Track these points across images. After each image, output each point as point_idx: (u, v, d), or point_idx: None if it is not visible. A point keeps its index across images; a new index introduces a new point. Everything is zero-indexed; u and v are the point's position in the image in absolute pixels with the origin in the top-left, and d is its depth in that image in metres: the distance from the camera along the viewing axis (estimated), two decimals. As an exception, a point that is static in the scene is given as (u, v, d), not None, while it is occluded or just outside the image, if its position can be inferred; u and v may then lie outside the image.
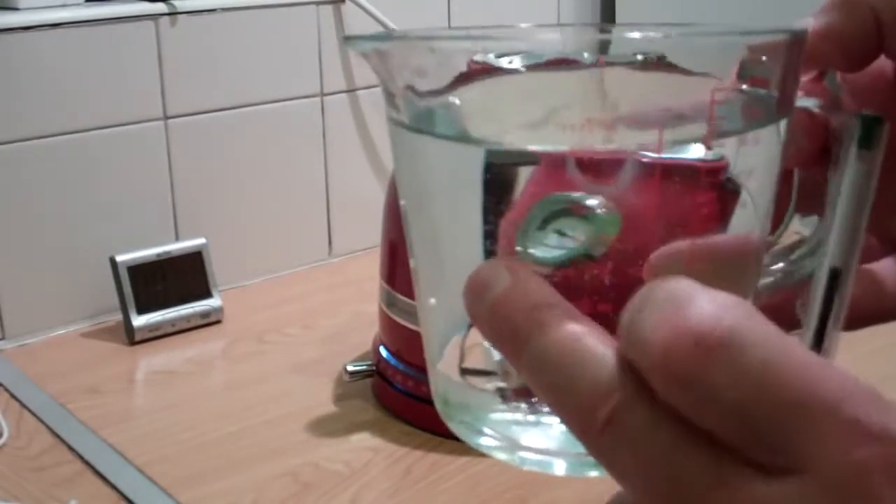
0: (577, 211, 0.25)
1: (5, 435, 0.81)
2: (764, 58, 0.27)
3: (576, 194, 0.25)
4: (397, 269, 0.82)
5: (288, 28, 1.12)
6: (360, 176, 1.21)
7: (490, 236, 0.27)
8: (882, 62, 0.30)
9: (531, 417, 0.28)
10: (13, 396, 0.88)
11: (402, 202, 0.30)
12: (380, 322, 0.86)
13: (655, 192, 0.25)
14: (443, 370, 0.30)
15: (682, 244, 0.26)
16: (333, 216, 1.20)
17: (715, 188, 0.26)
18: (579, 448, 0.23)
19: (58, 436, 0.81)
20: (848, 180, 0.28)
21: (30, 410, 0.85)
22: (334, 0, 1.15)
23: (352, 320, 1.02)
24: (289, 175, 1.15)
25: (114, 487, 0.74)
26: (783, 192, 0.29)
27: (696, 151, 0.25)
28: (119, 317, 1.00)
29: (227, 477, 0.75)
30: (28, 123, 0.97)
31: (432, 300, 0.30)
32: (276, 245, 1.16)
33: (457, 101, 0.27)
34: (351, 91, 1.18)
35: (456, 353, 0.29)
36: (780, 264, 0.30)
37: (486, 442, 0.29)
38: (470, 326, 0.28)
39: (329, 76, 1.16)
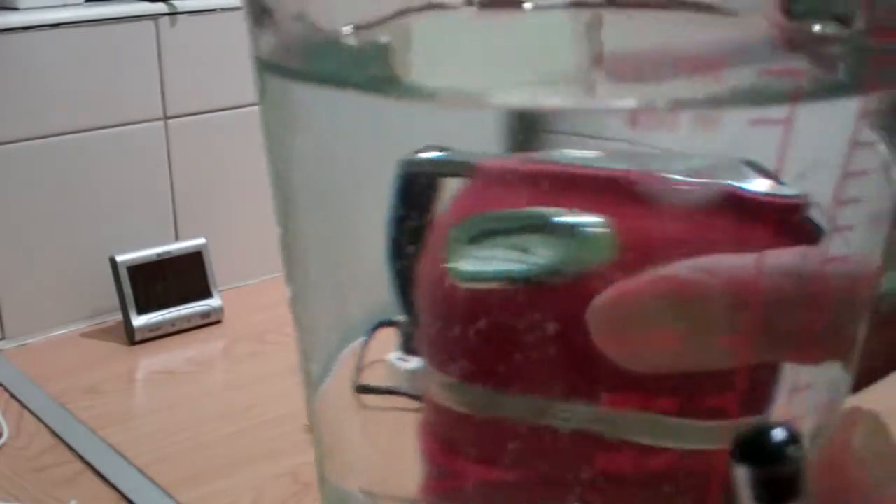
0: (555, 229, 0.18)
1: (5, 435, 0.81)
2: None
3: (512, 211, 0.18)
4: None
5: (288, 28, 1.12)
6: (360, 176, 1.21)
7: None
8: None
9: None
10: (13, 396, 0.88)
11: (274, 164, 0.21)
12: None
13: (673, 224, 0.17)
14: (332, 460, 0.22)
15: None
16: (333, 216, 1.20)
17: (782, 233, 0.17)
18: None
19: (58, 436, 0.81)
20: None
21: (30, 410, 0.85)
22: None
23: (352, 320, 1.02)
24: (289, 175, 1.15)
25: (114, 487, 0.74)
26: None
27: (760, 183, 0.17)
28: (119, 317, 1.00)
29: (227, 477, 0.75)
30: (28, 123, 0.97)
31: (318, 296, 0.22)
32: (277, 245, 1.16)
33: (385, 39, 0.18)
34: (351, 91, 1.19)
35: (348, 368, 0.22)
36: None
37: None
38: (372, 333, 0.21)
39: (329, 76, 1.16)
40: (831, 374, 0.19)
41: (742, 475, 0.16)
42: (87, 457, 0.78)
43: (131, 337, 0.98)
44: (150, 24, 1.02)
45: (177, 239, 1.07)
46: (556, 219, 0.18)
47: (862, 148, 0.17)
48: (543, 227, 0.18)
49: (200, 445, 0.80)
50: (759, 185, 0.17)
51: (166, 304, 1.00)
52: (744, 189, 0.17)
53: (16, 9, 0.96)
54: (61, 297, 1.01)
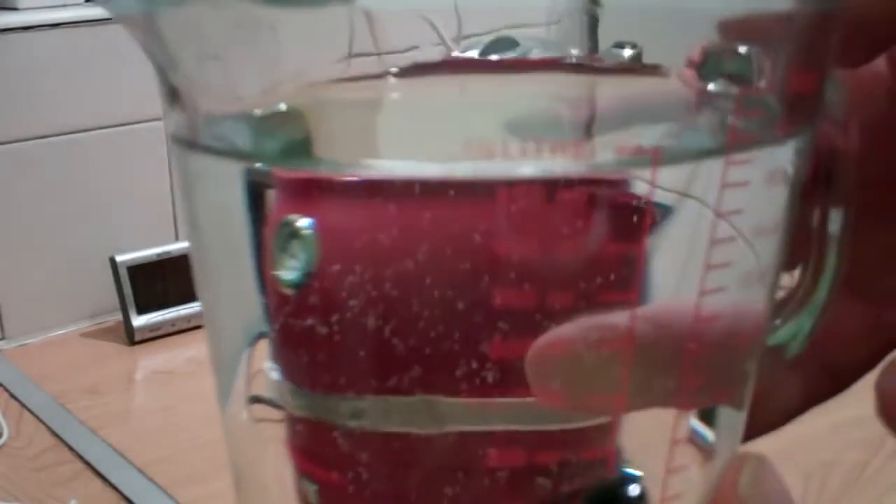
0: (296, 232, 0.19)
1: (5, 435, 0.81)
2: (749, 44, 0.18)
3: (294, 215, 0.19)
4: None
5: (288, 28, 1.12)
6: (360, 176, 1.21)
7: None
8: (879, 61, 0.22)
9: None
10: (13, 396, 0.88)
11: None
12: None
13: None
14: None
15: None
16: (333, 216, 1.20)
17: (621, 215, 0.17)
18: None
19: (58, 436, 0.81)
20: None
21: (30, 410, 0.85)
22: (334, 0, 1.15)
23: (352, 320, 1.02)
24: (289, 175, 1.15)
25: (113, 487, 0.74)
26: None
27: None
28: (119, 317, 1.00)
29: (227, 477, 0.75)
30: (28, 123, 0.97)
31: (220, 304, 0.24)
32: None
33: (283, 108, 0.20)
34: (351, 91, 1.19)
35: (242, 378, 0.22)
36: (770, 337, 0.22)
37: None
38: (254, 342, 0.22)
39: (329, 76, 1.16)
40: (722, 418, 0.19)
41: None
42: (87, 457, 0.78)
43: (131, 337, 0.98)
44: (150, 24, 1.02)
45: (177, 239, 1.07)
46: (296, 224, 0.19)
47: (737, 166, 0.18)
48: (292, 233, 0.19)
49: (200, 445, 0.80)
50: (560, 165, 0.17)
51: (166, 304, 1.00)
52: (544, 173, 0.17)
53: (16, 9, 0.96)
54: (61, 297, 1.01)
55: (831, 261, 0.22)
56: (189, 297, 1.01)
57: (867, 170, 0.21)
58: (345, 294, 0.18)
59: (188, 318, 1.01)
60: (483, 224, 0.17)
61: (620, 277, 0.17)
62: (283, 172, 0.20)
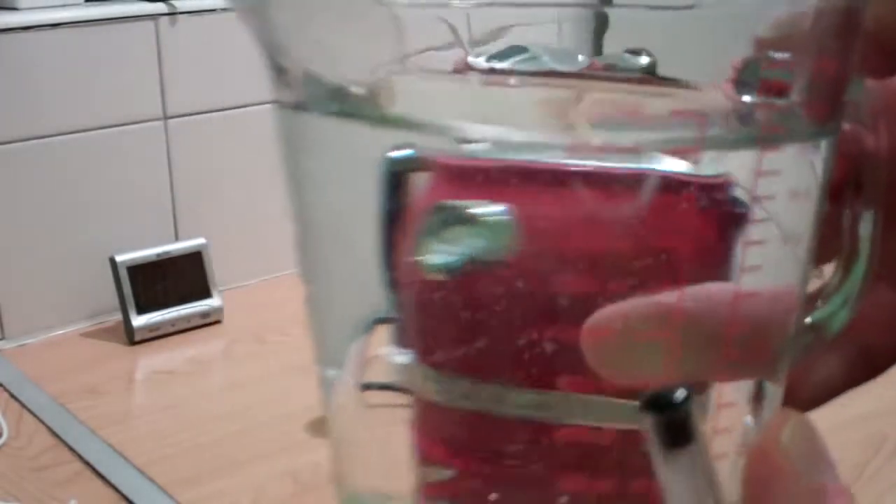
0: (471, 219, 0.20)
1: (5, 435, 0.81)
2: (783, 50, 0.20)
3: (466, 202, 0.20)
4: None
5: (288, 28, 1.12)
6: (360, 176, 1.21)
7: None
8: None
9: None
10: (13, 396, 0.88)
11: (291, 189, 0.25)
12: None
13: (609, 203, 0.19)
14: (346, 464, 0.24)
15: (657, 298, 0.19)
16: (333, 216, 1.20)
17: (712, 213, 0.20)
18: None
19: (58, 436, 0.81)
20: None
21: (30, 410, 0.85)
22: (334, 0, 1.15)
23: (352, 320, 1.02)
24: (289, 175, 1.15)
25: (113, 487, 0.74)
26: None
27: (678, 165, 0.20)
28: (119, 317, 1.00)
29: (227, 477, 0.75)
30: (28, 123, 0.97)
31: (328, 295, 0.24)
32: (276, 245, 1.16)
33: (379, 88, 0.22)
34: (351, 91, 1.18)
35: (354, 365, 0.24)
36: (809, 319, 0.24)
37: None
38: (371, 329, 0.22)
39: (329, 76, 1.16)
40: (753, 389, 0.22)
41: (647, 422, 0.19)
42: (87, 457, 0.78)
43: (131, 337, 0.98)
44: (150, 24, 1.02)
45: (177, 239, 1.07)
46: (469, 210, 0.20)
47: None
48: (461, 220, 0.20)
49: (200, 445, 0.80)
50: (678, 166, 0.20)
51: (166, 304, 1.00)
52: (666, 171, 0.19)
53: (16, 9, 0.96)
54: (61, 297, 1.01)
55: (864, 255, 0.24)
56: (189, 297, 1.01)
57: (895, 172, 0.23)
58: (511, 281, 0.20)
59: (188, 318, 1.01)
60: (624, 212, 0.19)
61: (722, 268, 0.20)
62: (441, 158, 0.21)
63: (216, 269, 1.04)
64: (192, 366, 0.95)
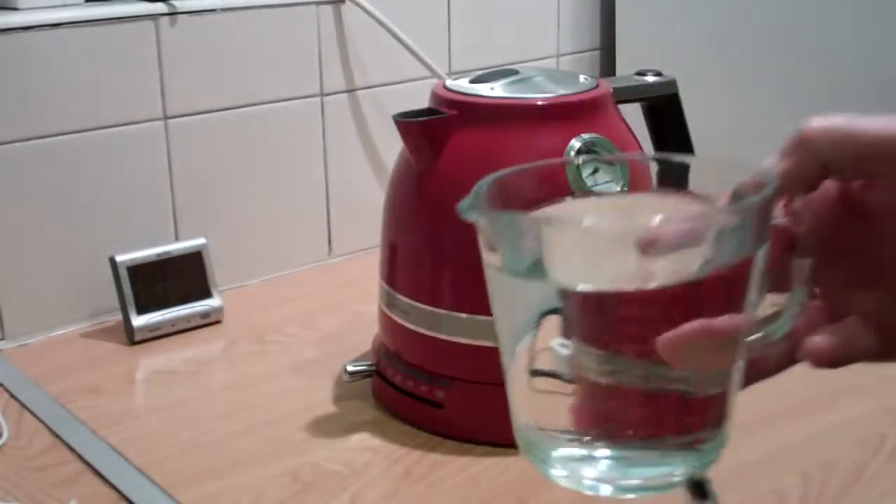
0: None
1: (5, 435, 0.81)
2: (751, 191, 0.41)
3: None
4: (397, 270, 0.82)
5: (288, 28, 1.12)
6: (360, 176, 1.21)
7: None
8: (826, 183, 0.43)
9: (585, 453, 0.42)
10: (13, 396, 0.88)
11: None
12: (380, 322, 0.86)
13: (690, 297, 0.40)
14: (518, 412, 0.43)
15: (698, 324, 0.40)
16: (333, 216, 1.20)
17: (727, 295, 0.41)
18: (620, 478, 0.41)
19: (58, 436, 0.81)
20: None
21: (30, 410, 0.85)
22: (334, 0, 1.15)
23: (352, 320, 1.02)
24: (289, 175, 1.15)
25: (114, 487, 0.74)
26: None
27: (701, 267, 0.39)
28: (119, 317, 1.00)
29: (227, 477, 0.75)
30: (28, 123, 0.97)
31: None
32: (276, 245, 1.16)
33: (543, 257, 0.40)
34: (351, 91, 1.19)
35: (524, 357, 0.42)
36: (761, 332, 0.43)
37: (554, 473, 0.42)
38: (538, 328, 0.41)
39: (329, 76, 1.16)
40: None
41: (688, 491, 0.42)
42: (87, 457, 0.78)
43: (131, 337, 0.98)
44: (150, 24, 1.02)
45: (177, 239, 1.07)
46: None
47: None
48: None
49: (200, 445, 0.80)
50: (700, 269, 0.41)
51: (166, 304, 1.00)
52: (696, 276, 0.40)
53: (16, 9, 0.96)
54: (61, 297, 1.02)
55: (801, 289, 0.43)
56: (189, 297, 1.01)
57: (819, 241, 0.43)
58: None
59: (188, 318, 1.01)
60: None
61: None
62: None
63: (216, 269, 1.04)
64: (192, 366, 0.95)
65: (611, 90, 0.80)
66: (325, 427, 0.82)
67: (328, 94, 1.17)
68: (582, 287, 0.39)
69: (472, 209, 0.40)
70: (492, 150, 0.76)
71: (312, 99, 1.15)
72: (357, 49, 1.18)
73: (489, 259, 0.41)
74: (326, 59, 1.15)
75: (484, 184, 0.43)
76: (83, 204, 1.01)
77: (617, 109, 0.81)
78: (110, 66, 1.00)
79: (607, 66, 1.45)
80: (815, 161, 0.41)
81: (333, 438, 0.81)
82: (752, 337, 0.42)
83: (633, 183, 0.78)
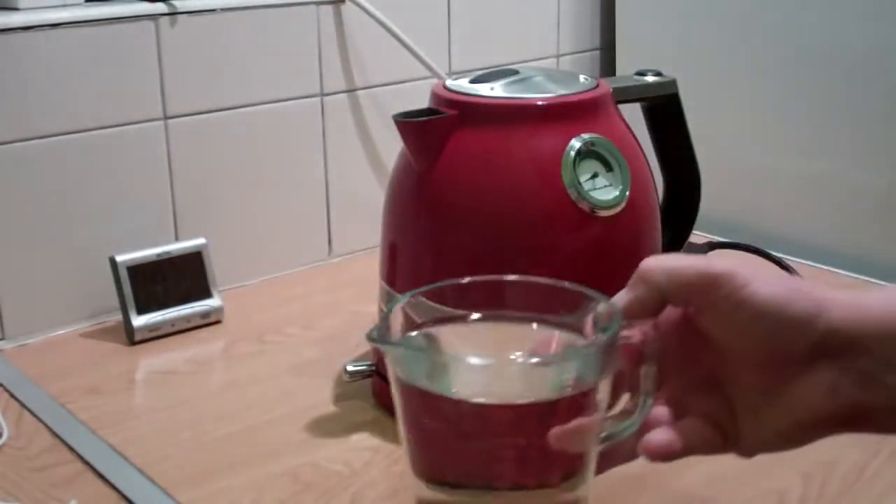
0: None
1: (5, 435, 0.81)
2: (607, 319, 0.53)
3: None
4: (397, 270, 0.82)
5: (288, 28, 1.12)
6: (360, 176, 1.21)
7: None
8: (671, 309, 0.54)
9: None
10: (13, 396, 0.88)
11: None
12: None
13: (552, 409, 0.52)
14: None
15: (573, 425, 0.51)
16: (333, 216, 1.20)
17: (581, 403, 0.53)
18: None
19: (58, 436, 0.81)
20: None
21: (30, 410, 0.85)
22: (334, 0, 1.15)
23: (352, 320, 1.02)
24: (289, 175, 1.15)
25: (114, 487, 0.74)
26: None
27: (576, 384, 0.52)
28: (119, 317, 1.00)
29: (227, 477, 0.75)
30: (28, 123, 0.97)
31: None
32: (276, 245, 1.16)
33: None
34: (351, 91, 1.19)
35: None
36: (615, 429, 0.55)
37: None
38: None
39: (329, 76, 1.16)
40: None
41: None
42: (87, 457, 0.78)
43: (131, 337, 0.98)
44: (150, 24, 1.02)
45: (177, 239, 1.07)
46: None
47: None
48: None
49: (200, 445, 0.80)
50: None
51: (166, 304, 1.00)
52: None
53: (16, 9, 0.96)
54: (61, 297, 1.02)
55: (649, 395, 0.54)
56: (189, 297, 1.01)
57: (664, 354, 0.54)
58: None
59: (188, 318, 1.01)
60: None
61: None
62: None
63: (216, 269, 1.04)
64: (192, 366, 0.95)
65: (611, 90, 0.80)
66: (325, 427, 0.82)
67: (328, 94, 1.17)
68: (476, 399, 0.51)
69: (380, 341, 0.52)
70: (492, 150, 0.76)
71: (312, 99, 1.15)
72: (357, 49, 1.18)
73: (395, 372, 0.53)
74: (326, 59, 1.15)
75: (392, 306, 0.55)
76: (83, 204, 1.01)
77: (617, 109, 0.81)
78: (110, 66, 1.00)
79: (607, 66, 1.45)
80: (653, 292, 0.52)
81: (333, 438, 0.81)
82: (605, 433, 0.54)
83: (636, 189, 0.80)
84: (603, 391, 0.53)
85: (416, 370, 0.52)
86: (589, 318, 0.55)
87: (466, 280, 0.59)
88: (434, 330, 0.57)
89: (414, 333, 0.56)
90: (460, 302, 0.58)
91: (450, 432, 0.52)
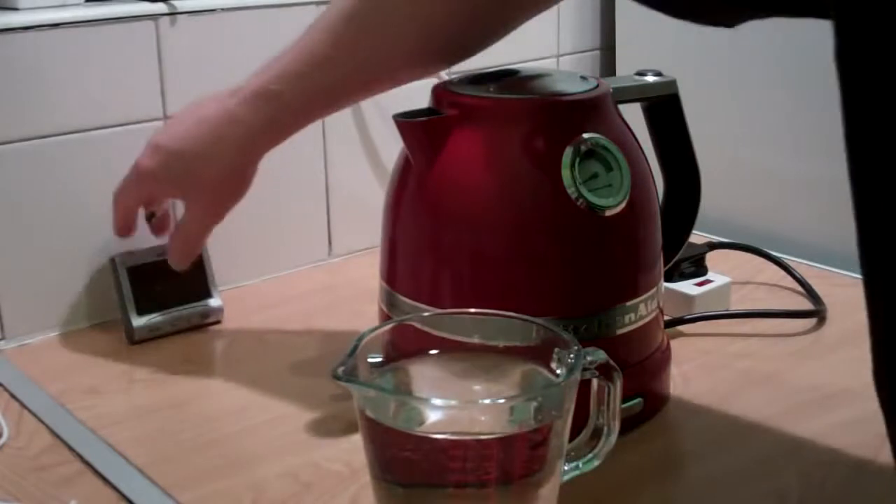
0: None
1: (5, 435, 0.81)
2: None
3: None
4: (397, 269, 0.82)
5: (288, 28, 1.12)
6: (360, 176, 1.21)
7: None
8: None
9: None
10: (13, 396, 0.88)
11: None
12: (380, 322, 0.86)
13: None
14: None
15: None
16: (333, 216, 1.20)
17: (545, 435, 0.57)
18: None
19: (58, 436, 0.81)
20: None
21: (30, 410, 0.85)
22: (334, 0, 1.15)
23: (352, 320, 1.02)
24: (289, 175, 1.15)
25: (114, 487, 0.74)
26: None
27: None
28: (119, 317, 1.00)
29: (227, 477, 0.75)
30: (28, 123, 0.97)
31: None
32: (276, 245, 1.16)
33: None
34: (351, 91, 1.18)
35: None
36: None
37: None
38: None
39: (329, 76, 1.16)
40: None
41: None
42: (87, 457, 0.78)
43: (131, 337, 0.98)
44: (150, 24, 1.02)
45: (177, 239, 1.07)
46: None
47: None
48: None
49: (200, 445, 0.80)
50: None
51: (166, 304, 1.00)
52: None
53: (16, 9, 0.96)
54: (61, 297, 1.02)
55: (612, 430, 0.64)
56: (189, 297, 1.01)
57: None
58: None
59: (188, 318, 1.01)
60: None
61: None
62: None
63: (216, 269, 1.04)
64: (192, 366, 0.95)
65: (611, 90, 0.80)
66: (325, 427, 0.82)
67: (328, 94, 1.16)
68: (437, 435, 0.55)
69: (345, 380, 0.55)
70: (492, 150, 0.76)
71: (312, 99, 1.15)
72: (357, 49, 1.18)
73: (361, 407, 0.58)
74: (326, 59, 1.15)
75: (358, 340, 0.59)
76: (83, 204, 1.01)
77: (617, 109, 0.81)
78: (110, 66, 1.00)
79: (607, 66, 1.45)
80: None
81: (333, 438, 0.81)
82: (568, 466, 0.63)
83: (636, 189, 0.80)
84: (565, 423, 0.58)
85: (382, 408, 0.57)
86: (554, 352, 0.60)
87: (428, 314, 0.66)
88: (399, 364, 0.62)
89: (379, 364, 0.61)
90: (422, 336, 0.64)
91: (415, 464, 0.57)
